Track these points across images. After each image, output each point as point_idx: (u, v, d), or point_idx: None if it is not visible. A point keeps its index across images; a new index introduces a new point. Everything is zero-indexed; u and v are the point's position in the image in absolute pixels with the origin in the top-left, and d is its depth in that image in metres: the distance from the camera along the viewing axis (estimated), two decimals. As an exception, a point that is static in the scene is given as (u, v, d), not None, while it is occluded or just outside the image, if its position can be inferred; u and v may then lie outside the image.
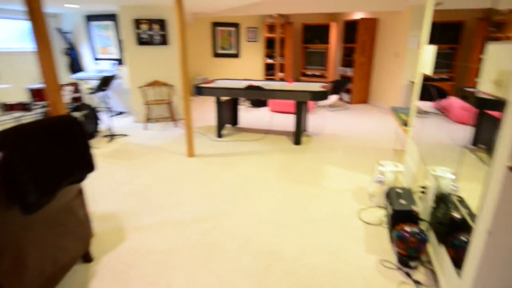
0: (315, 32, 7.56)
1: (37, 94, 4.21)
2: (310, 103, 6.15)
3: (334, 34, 7.53)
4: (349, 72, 7.04)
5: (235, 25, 8.19)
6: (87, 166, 1.62)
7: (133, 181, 3.13)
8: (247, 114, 6.13)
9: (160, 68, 5.44)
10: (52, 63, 1.83)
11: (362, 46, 6.54)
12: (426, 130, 2.48)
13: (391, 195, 2.15)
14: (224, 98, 4.71)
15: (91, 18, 5.96)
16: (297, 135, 4.22)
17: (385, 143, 4.30)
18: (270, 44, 8.10)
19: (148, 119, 5.53)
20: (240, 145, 4.25)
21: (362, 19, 6.37)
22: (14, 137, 1.27)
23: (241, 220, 2.42)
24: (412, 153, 2.58)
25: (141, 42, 5.27)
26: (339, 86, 6.40)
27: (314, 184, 3.03)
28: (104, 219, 2.45)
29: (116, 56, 6.08)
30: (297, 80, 6.86)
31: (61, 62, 6.48)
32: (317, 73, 7.78)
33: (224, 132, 4.93)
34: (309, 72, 7.88)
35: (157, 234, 2.25)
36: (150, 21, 5.20)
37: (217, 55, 8.44)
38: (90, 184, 3.05)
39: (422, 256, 1.88)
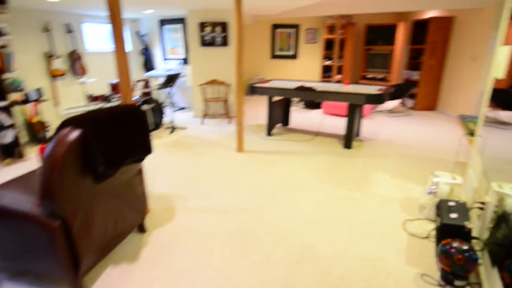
0: (379, 33, 7.21)
1: (115, 88, 4.87)
2: (367, 107, 5.90)
3: (401, 35, 7.07)
4: (415, 75, 6.55)
5: (295, 26, 8.25)
6: (146, 149, 1.88)
7: (187, 169, 3.43)
8: (299, 115, 6.15)
9: (219, 68, 5.79)
10: (126, 62, 2.16)
11: (432, 47, 6.03)
12: (499, 142, 2.24)
13: (442, 207, 2.00)
14: (276, 98, 4.83)
15: (163, 22, 6.63)
16: (348, 139, 4.12)
17: (447, 153, 3.93)
18: (329, 45, 7.97)
19: (205, 115, 5.94)
20: (289, 144, 4.31)
21: (433, 18, 5.88)
22: (90, 119, 1.56)
23: (279, 215, 2.50)
24: (476, 166, 2.35)
25: (204, 43, 5.69)
26: (402, 90, 6.01)
27: (360, 190, 2.94)
28: (159, 198, 2.76)
29: (182, 56, 6.65)
30: (356, 83, 6.64)
31: (137, 61, 7.32)
32: (379, 76, 7.41)
33: (274, 131, 5.04)
34: (370, 75, 7.55)
35: (201, 217, 2.45)
36: (213, 24, 5.58)
37: (275, 56, 8.61)
38: (151, 168, 3.44)
39: (470, 276, 1.73)
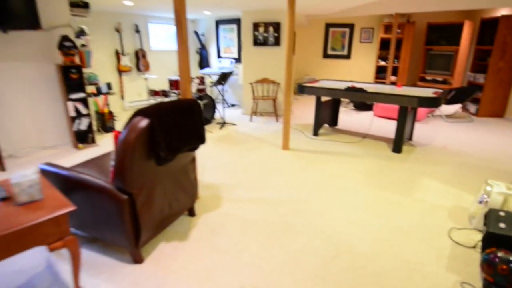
0: (442, 32, 6.73)
1: (174, 84, 5.32)
2: (422, 111, 5.59)
3: (466, 34, 6.52)
4: (480, 79, 6.01)
5: (350, 25, 8.08)
6: (201, 139, 2.11)
7: (233, 162, 3.67)
8: (348, 117, 6.05)
9: (270, 67, 5.96)
10: (187, 60, 2.42)
11: (502, 48, 5.48)
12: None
13: (490, 216, 1.91)
14: (325, 98, 4.84)
15: (219, 22, 7.01)
16: (397, 142, 3.99)
17: (509, 164, 3.60)
18: (384, 45, 7.65)
19: (254, 112, 6.16)
20: (335, 145, 4.31)
21: (504, 16, 5.34)
22: (156, 110, 1.82)
23: (319, 211, 2.58)
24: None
25: (257, 43, 5.90)
26: (464, 94, 5.57)
27: (405, 194, 2.88)
28: (208, 187, 3.02)
29: (235, 56, 6.96)
30: (413, 85, 6.31)
31: (194, 59, 7.85)
32: (439, 78, 6.93)
33: (321, 131, 5.06)
34: (429, 77, 7.09)
35: (245, 206, 2.65)
36: (266, 24, 5.76)
37: (327, 56, 8.52)
38: (202, 159, 3.75)
39: (519, 291, 1.64)
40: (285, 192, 2.92)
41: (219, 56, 7.34)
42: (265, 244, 2.16)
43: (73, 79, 3.99)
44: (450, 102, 5.59)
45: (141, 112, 1.78)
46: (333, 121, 5.31)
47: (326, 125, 5.41)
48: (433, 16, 7.30)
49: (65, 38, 3.84)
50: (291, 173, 3.36)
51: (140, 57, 6.70)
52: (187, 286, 1.77)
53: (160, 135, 1.78)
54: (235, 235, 2.25)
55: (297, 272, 1.88)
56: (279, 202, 2.73)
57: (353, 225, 2.38)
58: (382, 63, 7.71)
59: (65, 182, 1.95)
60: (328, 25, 8.24)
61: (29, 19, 3.45)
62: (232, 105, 7.23)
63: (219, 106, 7.07)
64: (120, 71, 6.46)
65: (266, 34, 5.85)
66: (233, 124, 5.54)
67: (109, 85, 5.05)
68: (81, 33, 4.38)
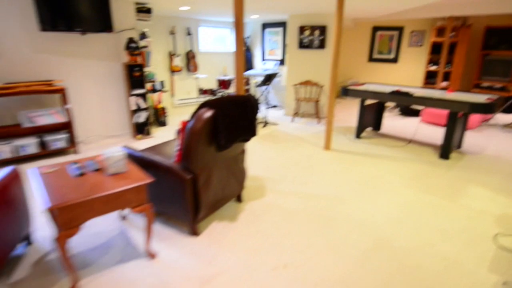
0: (502, 36, 6.39)
1: (222, 83, 5.71)
2: (475, 119, 5.37)
3: (532, 39, 6.11)
4: (546, 86, 5.61)
5: (399, 29, 7.94)
6: (253, 131, 2.38)
7: (276, 158, 3.90)
8: (392, 121, 6.00)
9: (313, 69, 6.12)
10: (242, 60, 2.71)
11: None
12: None
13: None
14: (369, 102, 4.89)
15: (265, 25, 7.32)
16: (445, 149, 3.94)
17: None
18: (436, 49, 7.41)
19: (296, 114, 6.36)
20: (377, 148, 4.36)
21: None
22: (219, 103, 2.12)
23: (358, 207, 2.71)
24: None
25: (302, 45, 6.10)
26: (525, 102, 5.25)
27: (450, 199, 2.89)
28: (253, 179, 3.29)
29: (279, 58, 7.22)
30: (467, 91, 6.06)
31: (238, 60, 8.24)
32: (498, 85, 6.57)
33: (363, 134, 5.11)
34: (485, 84, 6.75)
35: (287, 198, 2.86)
36: (313, 27, 5.94)
37: (372, 59, 8.44)
38: (248, 153, 4.04)
39: None
40: (325, 188, 3.09)
41: (263, 58, 7.65)
42: (306, 232, 2.36)
43: (135, 76, 4.52)
44: (508, 110, 5.30)
45: (206, 104, 2.09)
46: (377, 125, 5.32)
47: (369, 129, 5.44)
48: (493, 19, 6.94)
49: (131, 40, 4.38)
50: (332, 171, 3.51)
51: (190, 58, 7.24)
52: (236, 259, 2.04)
53: (222, 125, 2.08)
54: (278, 222, 2.48)
55: (337, 258, 2.06)
56: (319, 197, 2.91)
57: (393, 223, 2.49)
58: (433, 67, 7.47)
59: (139, 162, 2.33)
60: (376, 28, 8.17)
61: (104, 24, 4.01)
62: (274, 106, 7.49)
63: (261, 106, 7.36)
64: (172, 71, 7.04)
65: (312, 37, 6.02)
66: (275, 124, 5.79)
67: (162, 83, 5.57)
68: (143, 35, 4.92)
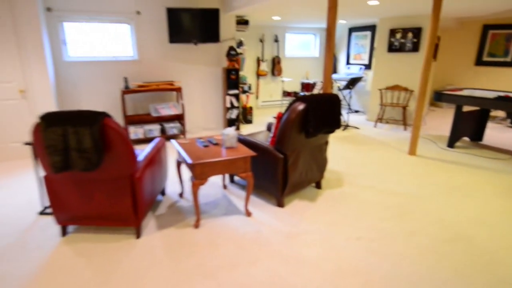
0: None
1: (305, 86, 6.36)
2: None
3: None
4: None
5: (518, 27, 7.36)
6: (337, 124, 2.93)
7: (356, 158, 4.33)
8: (499, 133, 5.72)
9: (403, 74, 6.27)
10: (331, 64, 3.30)
11: None
12: None
13: None
14: (468, 108, 4.81)
15: (352, 29, 7.72)
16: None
17: None
18: None
19: (380, 119, 6.57)
20: (472, 158, 4.37)
21: None
22: (310, 98, 2.75)
23: (437, 206, 2.98)
24: None
25: (391, 49, 6.33)
26: None
27: (546, 208, 2.91)
28: (332, 172, 3.80)
29: (365, 62, 7.52)
30: None
31: (322, 65, 8.81)
32: None
33: (458, 144, 5.06)
34: None
35: (364, 191, 3.30)
36: (405, 30, 6.13)
37: (481, 63, 7.93)
38: (328, 151, 4.56)
39: None
40: (405, 187, 3.41)
41: (347, 63, 8.04)
42: (381, 218, 2.78)
43: (232, 79, 5.50)
44: None
45: (299, 99, 2.75)
46: (477, 135, 5.16)
47: (466, 139, 5.34)
48: None
49: (231, 48, 5.37)
50: (414, 174, 3.77)
51: (275, 63, 8.11)
52: (315, 227, 2.60)
53: (312, 116, 2.70)
54: (354, 208, 2.95)
55: (409, 242, 2.44)
56: (398, 193, 3.26)
57: (476, 224, 2.71)
58: (557, 72, 6.74)
59: (242, 143, 3.11)
60: (487, 27, 7.69)
61: (213, 36, 5.09)
62: (356, 111, 7.78)
63: (343, 110, 7.74)
64: (258, 75, 8.00)
65: (404, 40, 6.21)
66: (356, 127, 6.14)
67: (249, 86, 6.49)
68: (240, 43, 5.92)
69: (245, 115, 6.48)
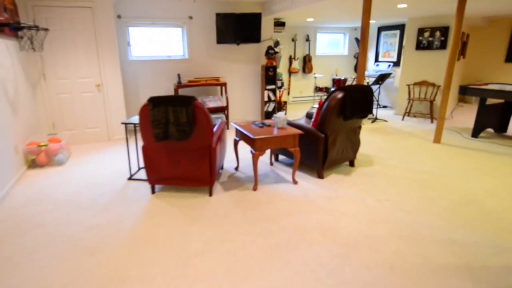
0: None
1: (336, 82, 6.94)
2: None
3: None
4: None
5: (544, 25, 7.59)
6: (369, 110, 3.54)
7: (384, 145, 4.88)
8: (521, 125, 6.05)
9: (431, 70, 6.71)
10: (365, 61, 3.89)
11: None
12: None
13: None
14: (493, 101, 5.22)
15: (381, 28, 8.20)
16: None
17: None
18: None
19: (407, 113, 7.02)
20: (495, 146, 4.80)
21: None
22: (346, 88, 3.37)
23: (459, 182, 3.51)
24: None
25: (419, 47, 6.78)
26: None
27: (556, 184, 3.37)
28: (363, 155, 4.39)
29: (394, 59, 7.97)
30: None
31: (351, 63, 9.32)
32: None
33: (482, 135, 5.47)
34: None
35: (392, 169, 3.87)
36: (433, 29, 6.57)
37: (511, 60, 8.16)
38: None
39: None
40: (428, 167, 3.95)
41: (376, 60, 8.51)
42: (406, 189, 3.35)
43: (269, 75, 6.18)
44: None
45: (339, 89, 3.38)
46: (501, 127, 5.54)
47: (490, 130, 5.73)
48: None
49: (270, 47, 6.06)
50: (438, 158, 4.29)
51: (306, 61, 8.72)
52: (351, 193, 3.22)
53: (349, 102, 3.33)
54: (383, 181, 3.54)
55: (431, 205, 3.01)
56: (421, 171, 3.81)
57: (487, 194, 3.22)
58: None
59: (289, 126, 3.77)
60: (517, 25, 7.94)
61: (255, 37, 5.80)
62: (384, 107, 8.24)
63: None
64: (290, 72, 8.65)
65: (432, 38, 6.65)
66: (385, 120, 6.64)
67: (282, 83, 7.14)
68: (277, 43, 6.59)
69: (280, 109, 7.14)
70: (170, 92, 5.90)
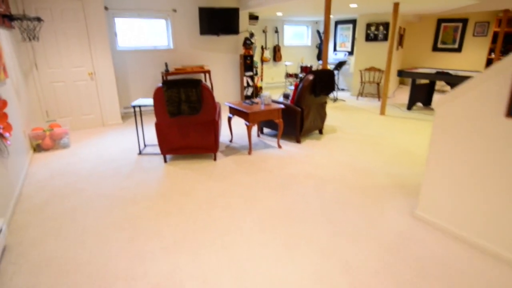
0: None
1: (304, 69, 7.54)
2: None
3: None
4: None
5: (463, 20, 8.60)
6: (332, 88, 4.17)
7: (343, 118, 5.62)
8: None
9: (377, 58, 7.52)
10: (327, 51, 4.50)
11: None
12: None
13: None
14: (421, 81, 6.13)
15: (338, 22, 8.87)
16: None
17: None
18: (497, 39, 8.03)
19: (360, 94, 7.85)
20: (422, 116, 5.74)
21: None
22: (315, 72, 3.96)
23: (398, 139, 4.30)
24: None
25: (368, 39, 7.55)
26: None
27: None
28: (328, 126, 5.09)
29: (348, 49, 8.72)
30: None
31: (314, 52, 9.96)
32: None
33: (414, 108, 6.42)
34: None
35: (350, 134, 4.60)
36: (378, 24, 7.34)
37: (436, 49, 9.24)
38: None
39: None
40: (376, 131, 4.73)
41: (334, 50, 9.23)
42: (361, 147, 4.08)
43: (247, 63, 6.63)
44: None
45: (310, 73, 3.97)
46: (427, 101, 6.55)
47: (420, 104, 6.70)
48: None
49: (247, 38, 6.48)
50: (383, 125, 5.09)
51: (276, 51, 9.22)
52: (323, 152, 3.88)
53: (317, 83, 3.93)
54: (345, 143, 4.25)
55: (377, 154, 3.75)
56: (371, 135, 4.58)
57: (415, 145, 4.04)
58: (492, 56, 8.13)
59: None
60: (440, 20, 8.96)
61: (233, 29, 6.18)
62: (343, 89, 9.04)
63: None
64: (263, 61, 9.11)
65: (377, 31, 7.42)
66: (343, 100, 7.41)
67: (256, 71, 7.62)
68: (252, 35, 7.01)
69: (256, 93, 7.64)
70: (158, 79, 6.16)
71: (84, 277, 1.85)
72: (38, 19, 3.54)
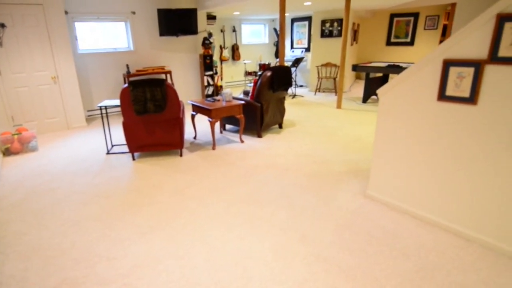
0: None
1: (262, 66, 8.12)
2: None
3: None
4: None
5: (415, 14, 9.40)
6: (290, 84, 4.75)
7: (302, 113, 6.25)
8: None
9: (333, 54, 8.33)
10: (284, 48, 5.08)
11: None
12: None
13: None
14: (375, 75, 6.96)
15: (294, 20, 9.60)
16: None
17: None
18: (446, 31, 9.20)
19: (318, 89, 8.60)
20: (376, 108, 6.56)
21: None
22: (273, 68, 4.51)
23: (352, 131, 4.99)
24: None
25: (323, 35, 8.32)
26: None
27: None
28: (288, 120, 5.67)
29: (305, 46, 9.48)
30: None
31: (272, 50, 10.61)
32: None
33: (369, 101, 7.26)
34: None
35: (308, 128, 5.21)
36: (332, 21, 8.14)
37: (390, 43, 10.24)
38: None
39: None
40: (332, 123, 5.40)
41: (292, 47, 9.95)
42: (318, 138, 4.70)
43: (207, 63, 7.05)
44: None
45: (267, 69, 4.51)
46: (379, 94, 7.43)
47: (375, 97, 7.57)
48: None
49: (205, 38, 6.90)
50: (339, 117, 5.80)
51: (235, 49, 9.72)
52: (282, 144, 4.43)
53: (275, 78, 4.48)
54: (303, 135, 4.85)
55: (333, 144, 4.38)
56: (328, 126, 5.24)
57: (367, 135, 4.75)
58: (436, 49, 9.29)
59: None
60: (393, 15, 9.91)
61: (191, 29, 6.58)
62: (301, 86, 9.78)
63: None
64: (222, 60, 9.56)
65: (331, 28, 8.22)
66: (302, 96, 8.11)
67: (216, 70, 8.07)
68: (210, 34, 7.45)
69: (217, 91, 8.08)
70: (120, 81, 6.37)
71: (69, 260, 2.18)
72: (2, 25, 3.68)
